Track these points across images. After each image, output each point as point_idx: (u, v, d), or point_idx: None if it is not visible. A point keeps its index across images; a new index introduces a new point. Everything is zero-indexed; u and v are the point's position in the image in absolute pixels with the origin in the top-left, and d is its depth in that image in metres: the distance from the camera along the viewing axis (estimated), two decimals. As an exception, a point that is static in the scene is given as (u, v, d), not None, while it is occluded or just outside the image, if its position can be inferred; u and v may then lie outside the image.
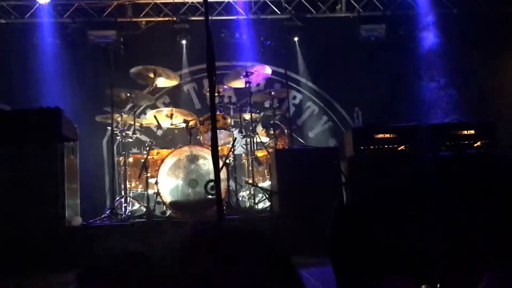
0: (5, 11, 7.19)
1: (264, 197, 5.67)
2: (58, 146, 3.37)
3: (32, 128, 2.83)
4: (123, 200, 5.73)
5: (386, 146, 4.92)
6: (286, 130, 6.30)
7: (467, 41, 7.56)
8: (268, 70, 6.13)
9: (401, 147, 4.93)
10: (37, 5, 7.08)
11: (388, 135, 4.93)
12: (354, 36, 7.68)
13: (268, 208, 5.42)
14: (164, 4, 7.46)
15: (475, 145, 4.96)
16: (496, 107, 7.27)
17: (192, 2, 7.45)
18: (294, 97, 7.85)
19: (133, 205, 5.91)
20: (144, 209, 5.57)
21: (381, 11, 7.69)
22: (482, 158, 4.92)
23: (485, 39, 7.60)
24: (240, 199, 5.88)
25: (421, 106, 6.99)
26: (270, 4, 7.63)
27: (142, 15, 7.47)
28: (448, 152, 4.93)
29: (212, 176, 5.43)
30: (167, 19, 7.50)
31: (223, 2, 7.46)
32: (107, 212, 5.55)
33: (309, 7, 7.67)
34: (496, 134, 5.03)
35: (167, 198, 5.45)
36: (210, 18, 7.36)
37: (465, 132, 4.98)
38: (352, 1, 7.70)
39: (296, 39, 7.59)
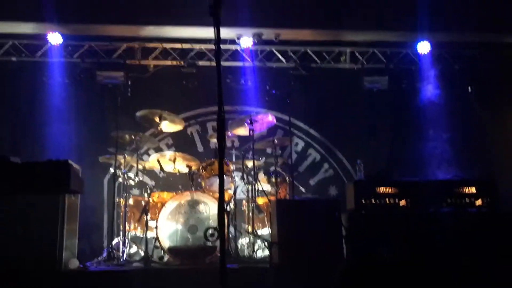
0: (16, 49, 7.34)
1: (264, 246, 5.63)
2: (60, 197, 3.41)
3: (41, 181, 2.86)
4: (121, 242, 5.69)
5: (387, 201, 4.92)
6: (287, 178, 6.33)
7: (468, 96, 7.71)
8: (272, 118, 6.21)
9: (403, 202, 4.93)
10: (49, 44, 7.24)
11: (389, 190, 4.94)
12: (357, 87, 7.82)
13: (267, 258, 5.37)
14: (173, 49, 7.63)
15: (477, 203, 4.96)
16: (498, 161, 7.31)
17: (200, 48, 7.62)
18: (296, 144, 7.92)
19: (131, 247, 5.86)
20: (142, 253, 5.51)
21: (384, 64, 7.85)
22: (483, 217, 4.93)
23: (487, 94, 7.75)
24: (239, 246, 5.84)
25: (423, 159, 7.03)
26: (276, 52, 7.80)
27: (150, 58, 7.63)
28: (450, 209, 4.93)
29: (212, 223, 5.43)
30: (175, 63, 7.66)
31: (230, 49, 7.63)
32: (105, 255, 5.50)
33: (314, 57, 7.84)
34: (497, 192, 5.03)
35: (166, 243, 5.42)
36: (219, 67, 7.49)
37: (467, 189, 4.99)
38: (356, 53, 7.88)
39: (300, 87, 7.71)
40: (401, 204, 4.92)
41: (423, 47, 7.57)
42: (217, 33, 2.42)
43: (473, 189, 5.03)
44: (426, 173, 6.64)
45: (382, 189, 4.96)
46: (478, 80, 7.82)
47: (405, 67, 7.89)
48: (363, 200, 4.92)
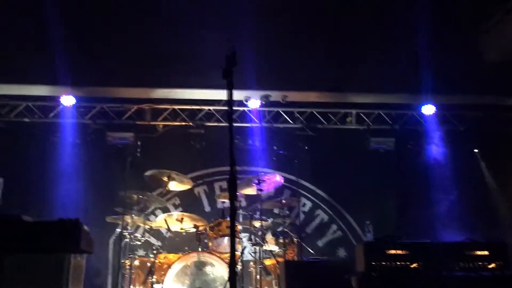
0: (29, 110, 7.53)
1: (271, 310, 5.46)
2: (67, 256, 3.38)
3: (52, 240, 2.85)
4: (125, 305, 5.55)
5: (398, 263, 4.82)
6: (295, 239, 6.24)
7: (474, 157, 7.74)
8: (279, 178, 6.23)
9: (414, 264, 4.83)
10: (61, 106, 7.43)
11: (400, 252, 4.85)
12: (363, 147, 7.90)
13: (275, 323, 5.21)
14: (182, 109, 7.81)
15: (489, 266, 4.85)
16: (506, 223, 7.21)
17: (209, 109, 7.79)
18: (304, 204, 7.88)
19: (135, 311, 5.71)
20: (147, 317, 5.36)
21: (390, 125, 7.96)
22: (497, 280, 4.81)
23: (492, 156, 7.78)
24: (247, 310, 5.68)
25: (430, 221, 6.96)
26: (283, 114, 7.95)
27: (160, 119, 7.79)
28: (463, 273, 4.82)
29: (218, 284, 5.32)
30: (183, 123, 7.80)
31: (238, 110, 7.79)
32: (109, 318, 5.37)
33: (321, 118, 7.97)
34: (509, 255, 4.94)
35: (172, 306, 5.28)
36: (224, 125, 7.64)
37: (479, 252, 4.89)
38: (362, 115, 8.01)
39: (307, 148, 7.78)
40: (412, 267, 4.82)
41: (428, 109, 7.70)
42: (230, 95, 2.48)
43: (485, 252, 4.94)
44: (434, 235, 6.55)
45: (392, 251, 4.88)
46: (483, 142, 7.88)
47: (410, 128, 7.98)
48: (373, 262, 4.83)
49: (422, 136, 7.89)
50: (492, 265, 4.87)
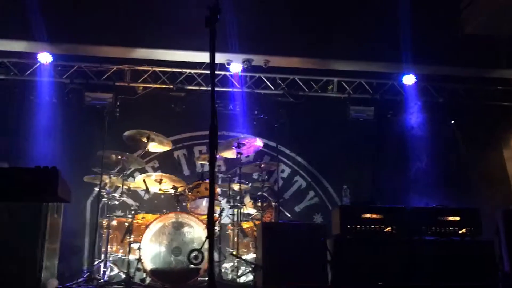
0: (5, 67, 7.32)
1: (248, 270, 5.56)
2: (42, 205, 3.33)
3: (28, 187, 2.81)
4: (102, 264, 5.57)
5: (373, 227, 4.94)
6: (273, 203, 6.32)
7: (452, 128, 7.89)
8: (259, 142, 6.25)
9: (388, 228, 4.95)
10: (38, 64, 7.24)
11: (375, 216, 4.97)
12: (344, 116, 7.95)
13: (250, 282, 5.31)
14: (163, 72, 7.68)
15: (460, 231, 5.01)
16: (478, 192, 7.42)
17: (190, 72, 7.69)
18: (283, 171, 7.95)
19: (112, 270, 5.74)
20: (123, 275, 5.40)
21: (370, 95, 8.01)
22: (466, 245, 4.98)
23: (469, 127, 7.93)
24: (223, 270, 5.76)
25: (406, 188, 7.11)
26: (265, 79, 7.91)
27: (140, 81, 7.67)
28: (434, 237, 4.97)
29: (196, 245, 5.37)
30: (164, 86, 7.70)
31: (219, 74, 7.72)
32: (85, 276, 5.38)
33: (302, 85, 7.96)
34: (480, 221, 5.10)
35: (148, 265, 5.32)
36: (205, 89, 7.57)
37: (451, 218, 5.05)
38: (343, 83, 8.03)
39: (288, 114, 7.78)
40: (386, 230, 4.94)
41: (408, 79, 7.76)
42: (212, 45, 2.43)
43: (457, 218, 5.10)
44: (409, 201, 6.70)
45: (367, 215, 4.99)
46: (460, 113, 8.01)
47: (390, 98, 8.05)
48: (348, 226, 4.93)
49: (402, 106, 7.98)
50: (463, 231, 5.04)
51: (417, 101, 7.83)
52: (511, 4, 6.09)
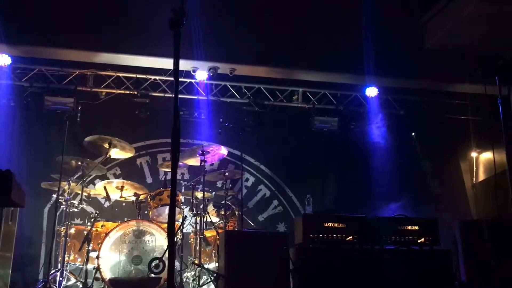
0: (-39, 68, 7.04)
1: (210, 280, 5.49)
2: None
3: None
4: (58, 273, 5.39)
5: (335, 235, 4.97)
6: (237, 212, 6.29)
7: (412, 140, 8.11)
8: (224, 150, 6.23)
9: (349, 237, 5.00)
10: (-4, 66, 7.00)
11: (337, 225, 5.01)
12: (308, 126, 8.03)
13: (212, 292, 5.25)
14: (127, 77, 7.56)
15: (419, 241, 5.11)
16: (437, 202, 7.62)
17: (155, 79, 7.61)
18: (247, 179, 7.93)
19: (68, 279, 5.56)
20: (81, 285, 5.23)
21: (334, 105, 8.13)
22: (424, 253, 5.09)
23: (429, 139, 8.16)
24: (185, 280, 5.68)
25: (369, 198, 7.22)
26: (231, 88, 7.91)
27: (103, 86, 7.52)
28: (394, 246, 5.05)
29: (157, 254, 5.27)
30: (128, 92, 7.58)
31: (185, 81, 7.66)
32: (40, 286, 5.20)
33: (268, 94, 8.00)
34: (438, 230, 5.22)
35: (107, 274, 5.19)
36: (170, 95, 7.49)
37: (410, 227, 5.15)
38: (308, 94, 8.12)
39: (253, 123, 7.80)
40: (347, 239, 4.99)
41: (371, 91, 7.92)
42: (177, 50, 2.39)
43: (416, 227, 5.20)
44: (371, 210, 6.80)
45: (330, 224, 5.02)
46: (420, 125, 8.24)
47: (354, 109, 8.20)
48: (311, 234, 4.95)
49: (365, 118, 8.13)
50: (422, 240, 5.15)
51: (379, 113, 7.99)
52: (472, 19, 6.30)
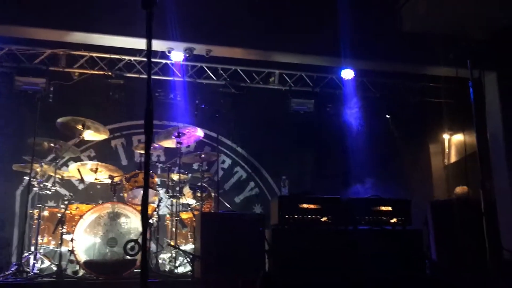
0: None
1: (186, 261, 5.51)
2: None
3: None
4: (31, 256, 5.33)
5: (310, 216, 5.04)
6: (213, 194, 6.29)
7: (387, 122, 8.22)
8: (200, 132, 6.19)
9: (324, 218, 5.07)
10: (-37, 45, 6.76)
11: (312, 206, 5.07)
12: (284, 108, 8.04)
13: (188, 273, 5.27)
14: (100, 58, 7.41)
15: (392, 221, 5.22)
16: (410, 183, 7.78)
17: (129, 59, 7.47)
18: (223, 161, 7.93)
19: (42, 262, 5.51)
20: (55, 268, 5.18)
21: (310, 88, 8.14)
22: (397, 233, 5.20)
23: (403, 122, 8.28)
24: (160, 261, 5.68)
25: (344, 178, 7.31)
26: (207, 69, 7.84)
27: (76, 66, 7.35)
28: (367, 226, 5.15)
29: (132, 236, 5.25)
30: (101, 72, 7.43)
31: (160, 62, 7.55)
32: (13, 269, 5.13)
33: (244, 76, 7.96)
34: (410, 211, 5.33)
35: (82, 256, 5.14)
36: (145, 76, 7.39)
37: (383, 208, 5.24)
38: (285, 76, 8.11)
39: (229, 105, 7.77)
40: (322, 220, 5.06)
41: (347, 73, 7.95)
42: (149, 30, 2.34)
43: (389, 208, 5.30)
44: (345, 191, 6.90)
45: (305, 205, 5.08)
46: (395, 108, 8.34)
47: (330, 92, 8.24)
48: (286, 216, 5.00)
49: (341, 100, 8.18)
50: (394, 220, 5.26)
51: (355, 95, 8.05)
52: (448, 2, 6.33)
